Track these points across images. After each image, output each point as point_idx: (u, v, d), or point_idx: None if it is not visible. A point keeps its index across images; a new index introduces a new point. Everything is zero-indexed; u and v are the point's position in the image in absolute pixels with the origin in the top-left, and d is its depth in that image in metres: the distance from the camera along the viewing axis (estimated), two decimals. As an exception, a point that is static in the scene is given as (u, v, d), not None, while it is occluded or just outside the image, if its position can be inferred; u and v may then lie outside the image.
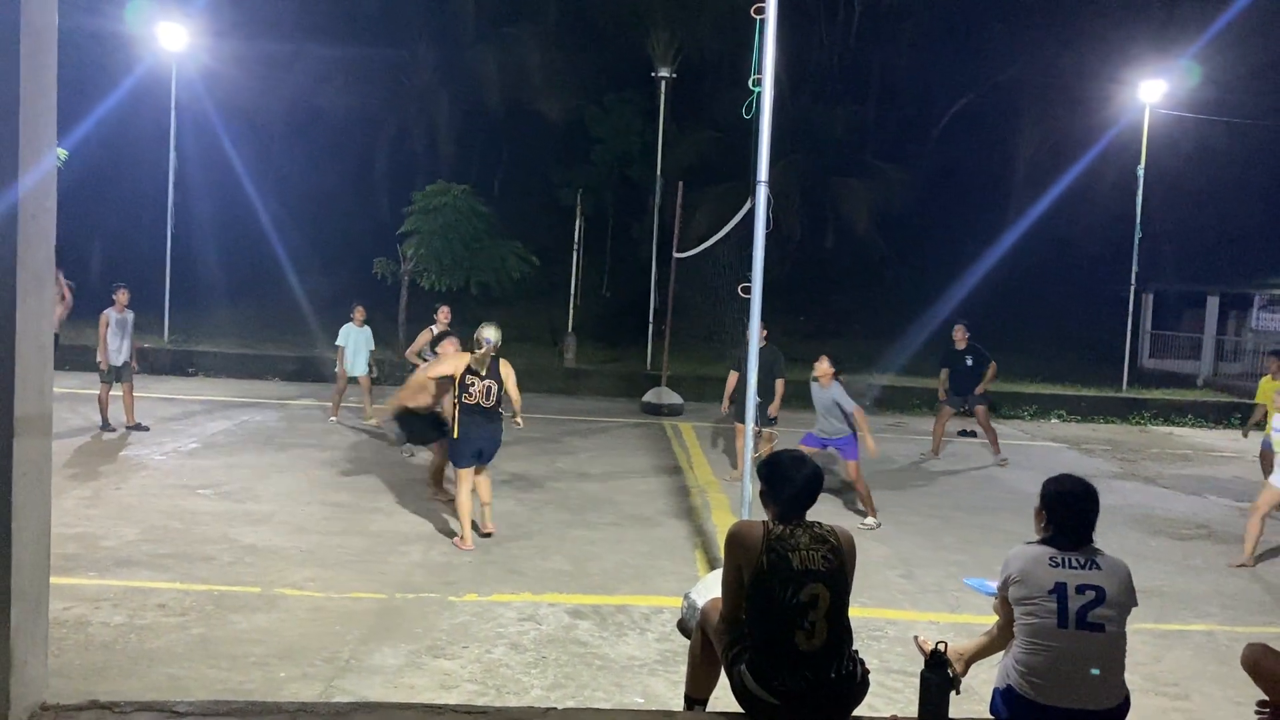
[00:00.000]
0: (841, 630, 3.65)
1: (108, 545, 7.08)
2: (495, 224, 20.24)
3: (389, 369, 15.53)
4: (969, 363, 12.57)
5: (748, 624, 3.71)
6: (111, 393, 11.33)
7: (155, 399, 13.67)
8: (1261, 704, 4.01)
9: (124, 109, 22.35)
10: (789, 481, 3.82)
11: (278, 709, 3.60)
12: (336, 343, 12.93)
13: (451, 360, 7.82)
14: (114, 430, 11.28)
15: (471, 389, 7.62)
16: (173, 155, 19.61)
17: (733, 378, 10.54)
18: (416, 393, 8.24)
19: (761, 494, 3.90)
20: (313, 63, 25.76)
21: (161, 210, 19.79)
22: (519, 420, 8.01)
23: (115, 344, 11.25)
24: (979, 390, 12.50)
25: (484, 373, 7.67)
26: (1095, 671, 3.52)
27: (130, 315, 11.43)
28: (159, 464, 9.94)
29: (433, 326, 11.22)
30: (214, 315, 21.62)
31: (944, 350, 13.10)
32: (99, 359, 11.22)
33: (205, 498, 8.65)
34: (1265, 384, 11.53)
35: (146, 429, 11.45)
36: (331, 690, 4.86)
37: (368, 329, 13.07)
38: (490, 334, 7.76)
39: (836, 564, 3.66)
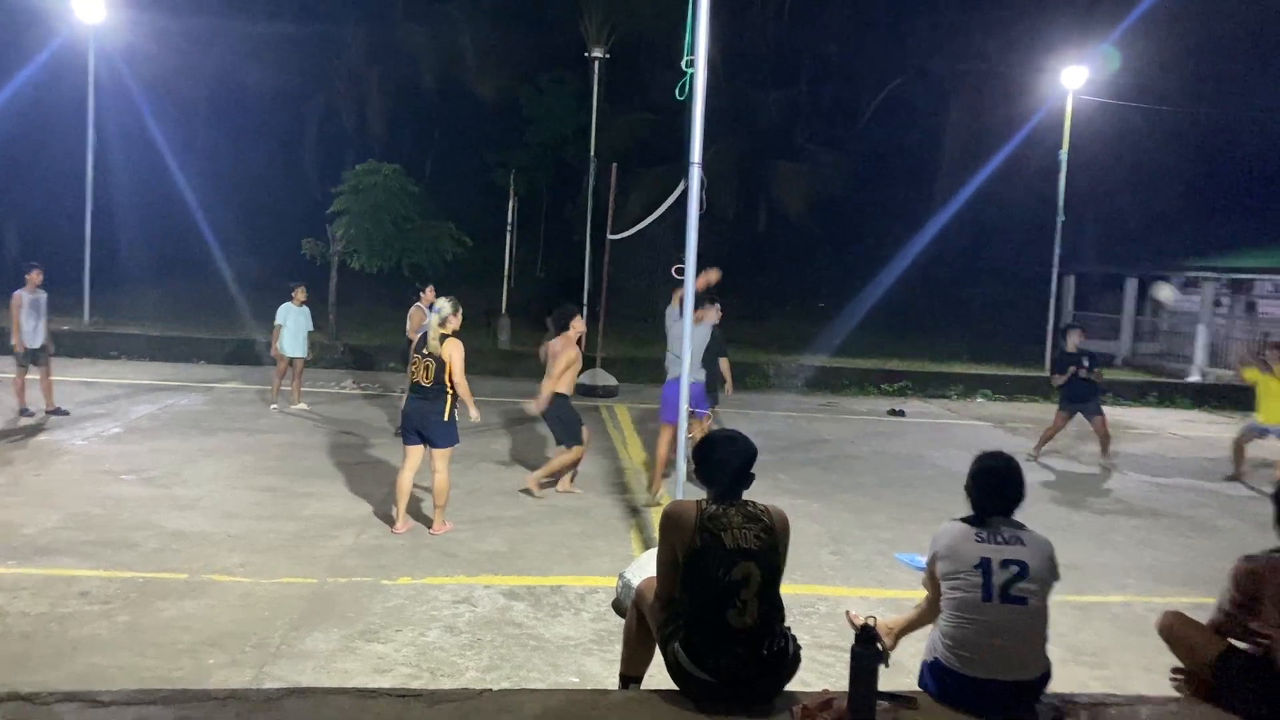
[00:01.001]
0: (773, 608, 3.71)
1: (27, 533, 6.88)
2: (427, 204, 19.99)
3: (319, 351, 15.28)
4: (1086, 364, 11.66)
5: (681, 602, 3.75)
6: (29, 376, 10.98)
7: (75, 383, 13.29)
8: (1176, 670, 4.18)
9: (40, 84, 21.63)
10: (722, 462, 3.86)
11: (206, 697, 3.54)
12: (275, 322, 12.56)
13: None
14: (32, 415, 10.95)
15: (413, 364, 7.41)
16: (91, 132, 19.02)
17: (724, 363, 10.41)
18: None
19: (697, 474, 3.92)
20: (238, 39, 25.15)
21: (81, 189, 19.18)
22: (473, 413, 7.56)
23: (29, 326, 10.87)
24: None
25: (426, 350, 7.34)
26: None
27: (44, 296, 11.04)
28: (80, 449, 9.68)
29: (419, 304, 11.14)
30: (137, 297, 21.06)
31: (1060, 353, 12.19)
32: (14, 342, 10.85)
33: (129, 483, 8.45)
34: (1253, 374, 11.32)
35: (66, 413, 11.13)
36: (262, 676, 4.80)
37: (307, 310, 12.80)
38: (439, 303, 7.38)
39: (769, 543, 3.71)
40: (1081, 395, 11.68)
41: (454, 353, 7.28)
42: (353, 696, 3.61)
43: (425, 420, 7.37)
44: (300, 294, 12.66)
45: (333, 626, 5.50)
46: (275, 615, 5.62)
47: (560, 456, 8.87)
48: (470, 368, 8.90)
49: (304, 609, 5.75)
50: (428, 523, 7.59)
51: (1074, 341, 11.86)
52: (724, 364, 10.36)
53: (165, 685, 4.43)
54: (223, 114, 26.58)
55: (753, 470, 3.91)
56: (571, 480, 9.02)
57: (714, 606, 3.62)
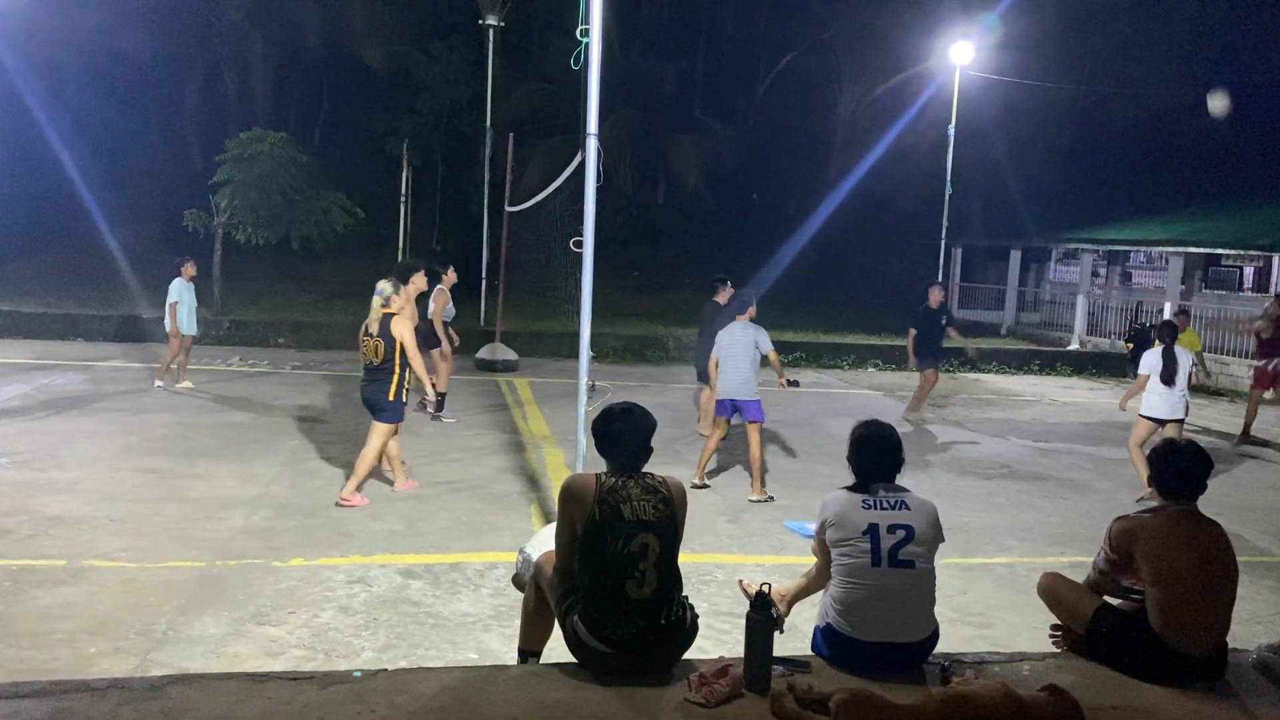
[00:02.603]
0: (671, 578, 3.75)
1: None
2: (316, 174, 19.38)
3: (205, 327, 14.76)
4: (943, 322, 12.52)
5: (580, 574, 3.76)
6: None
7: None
8: (1054, 627, 4.36)
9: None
10: (621, 435, 3.87)
11: (85, 687, 3.40)
12: (170, 300, 11.94)
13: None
14: None
15: (363, 345, 7.55)
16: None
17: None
18: None
19: (597, 448, 3.93)
20: (115, 1, 23.89)
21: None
22: (429, 392, 8.08)
23: None
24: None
25: (374, 330, 7.43)
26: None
27: None
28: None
29: (441, 287, 10.98)
30: (9, 271, 19.99)
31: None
32: None
33: (1, 467, 8.04)
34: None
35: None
36: (147, 664, 4.64)
37: (193, 285, 12.30)
38: (380, 285, 7.53)
39: (667, 513, 3.74)
40: (933, 350, 12.47)
41: (404, 331, 7.43)
42: (242, 681, 3.52)
43: (374, 398, 7.53)
44: (189, 269, 12.15)
45: (222, 610, 5.35)
46: (161, 601, 5.44)
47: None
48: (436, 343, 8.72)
49: (191, 593, 5.57)
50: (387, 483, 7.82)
51: (936, 299, 12.53)
52: None
53: (42, 677, 4.24)
54: (98, 79, 25.31)
55: (651, 443, 3.92)
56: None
57: (613, 578, 3.64)
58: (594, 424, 3.96)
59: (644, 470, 3.87)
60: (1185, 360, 8.92)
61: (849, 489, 3.99)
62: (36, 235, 22.05)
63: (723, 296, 10.58)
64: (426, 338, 10.55)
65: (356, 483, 7.55)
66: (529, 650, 4.13)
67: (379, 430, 7.55)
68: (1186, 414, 9.01)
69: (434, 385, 10.56)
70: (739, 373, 8.44)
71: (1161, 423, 8.94)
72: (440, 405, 10.60)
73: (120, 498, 7.39)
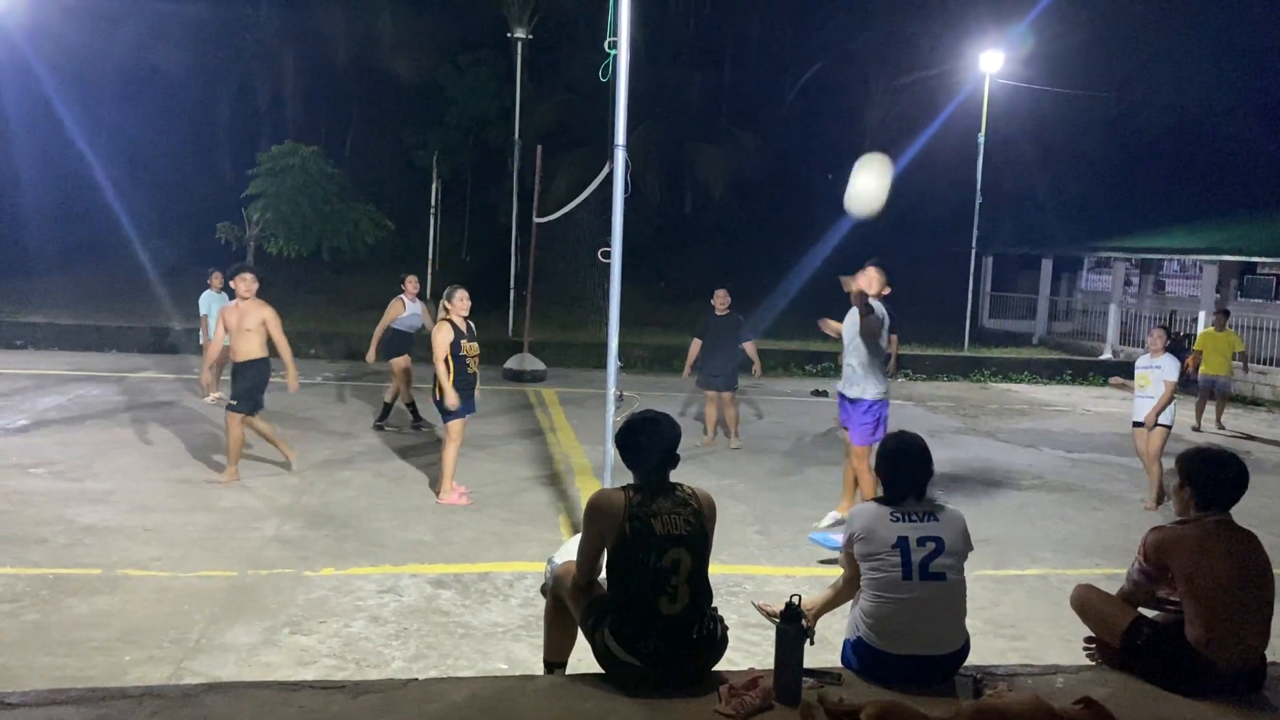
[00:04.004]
0: (702, 592, 3.73)
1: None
2: (346, 187, 19.61)
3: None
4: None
5: (610, 589, 3.74)
6: None
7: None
8: (1088, 640, 4.31)
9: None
10: (644, 447, 3.83)
11: (121, 694, 3.43)
12: (201, 311, 12.16)
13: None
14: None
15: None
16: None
17: (695, 345, 10.58)
18: None
19: (622, 459, 3.90)
20: (147, 17, 24.27)
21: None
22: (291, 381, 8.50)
23: None
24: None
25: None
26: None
27: None
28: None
29: (401, 296, 10.95)
30: (45, 284, 20.30)
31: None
32: None
33: (37, 477, 8.16)
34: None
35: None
36: (181, 672, 4.68)
37: (225, 296, 12.42)
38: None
39: (698, 526, 3.71)
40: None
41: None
42: (274, 690, 3.54)
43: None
44: (217, 279, 12.28)
45: (254, 619, 5.39)
46: (194, 609, 5.48)
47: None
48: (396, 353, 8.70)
49: (224, 602, 5.62)
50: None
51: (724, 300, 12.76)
52: (749, 347, 10.70)
53: (78, 684, 4.29)
54: (132, 95, 25.67)
55: (678, 453, 3.90)
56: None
57: (645, 593, 3.62)
58: (618, 435, 3.94)
59: (673, 481, 3.84)
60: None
61: (877, 501, 3.97)
62: (71, 248, 22.39)
63: (718, 304, 10.64)
64: (387, 345, 10.75)
65: (445, 482, 8.08)
66: (554, 662, 4.13)
67: (446, 431, 8.07)
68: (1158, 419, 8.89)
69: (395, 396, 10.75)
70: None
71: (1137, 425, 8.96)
72: (383, 415, 10.86)
73: (153, 507, 7.48)
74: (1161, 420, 8.82)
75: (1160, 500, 8.78)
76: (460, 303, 7.99)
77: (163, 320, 17.19)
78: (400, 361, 10.71)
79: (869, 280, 7.50)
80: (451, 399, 7.82)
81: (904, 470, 3.98)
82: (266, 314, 8.34)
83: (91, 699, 3.38)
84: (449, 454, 8.04)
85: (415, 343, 10.94)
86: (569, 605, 3.92)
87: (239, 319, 8.29)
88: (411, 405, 10.99)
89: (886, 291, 7.73)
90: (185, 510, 7.45)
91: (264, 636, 5.17)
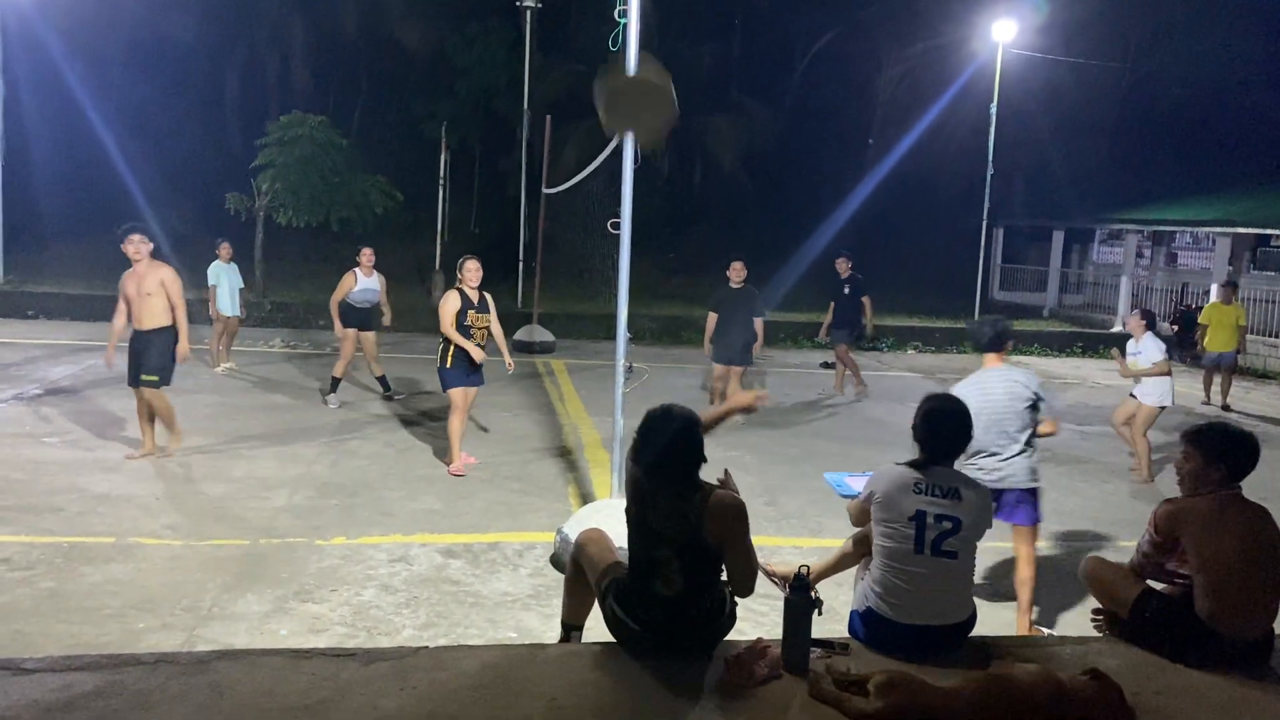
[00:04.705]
0: (700, 580, 3.65)
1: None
2: (355, 158, 19.54)
3: (247, 309, 14.91)
4: (845, 292, 12.68)
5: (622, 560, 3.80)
6: None
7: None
8: (1096, 611, 4.32)
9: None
10: (650, 446, 3.65)
11: (135, 661, 3.47)
12: (209, 282, 12.15)
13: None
14: None
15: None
16: (0, 84, 18.19)
17: (711, 319, 10.37)
18: None
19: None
20: (154, -13, 24.13)
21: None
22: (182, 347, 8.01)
23: None
24: (867, 329, 12.76)
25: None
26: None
27: None
28: (9, 411, 9.37)
29: (355, 270, 10.67)
30: (56, 254, 20.34)
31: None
32: None
33: (50, 446, 8.21)
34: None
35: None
36: (194, 639, 4.73)
37: (235, 266, 12.43)
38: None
39: (686, 533, 3.57)
40: (840, 321, 12.74)
41: (439, 309, 7.87)
42: (286, 657, 3.57)
43: None
44: (226, 250, 12.28)
45: (266, 588, 5.43)
46: (206, 578, 5.53)
47: None
48: (405, 325, 8.70)
49: (236, 571, 5.67)
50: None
51: (843, 269, 12.78)
52: (758, 324, 10.41)
53: (93, 651, 4.33)
54: (142, 65, 25.57)
55: (700, 452, 3.64)
56: None
57: (641, 574, 3.66)
58: (639, 428, 3.73)
59: (700, 481, 3.65)
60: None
61: (907, 465, 3.93)
62: (81, 218, 22.38)
63: (732, 276, 10.42)
64: (343, 318, 10.55)
65: (452, 452, 8.10)
66: (571, 624, 4.16)
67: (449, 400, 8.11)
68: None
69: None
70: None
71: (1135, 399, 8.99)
72: (333, 387, 10.65)
73: (165, 477, 7.53)
74: (1155, 399, 8.77)
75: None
76: (469, 274, 7.97)
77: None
78: (350, 334, 10.49)
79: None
80: (476, 353, 7.90)
81: (942, 435, 3.93)
82: (165, 274, 7.80)
83: (106, 665, 3.41)
84: (452, 424, 8.07)
85: (373, 316, 10.77)
86: (587, 571, 3.94)
87: (137, 285, 7.75)
88: (383, 379, 10.87)
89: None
90: (197, 480, 7.50)
91: (275, 605, 5.22)
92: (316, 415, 10.02)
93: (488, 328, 8.08)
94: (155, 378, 7.79)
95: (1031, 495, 5.40)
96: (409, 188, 20.97)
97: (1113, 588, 4.14)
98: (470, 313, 7.91)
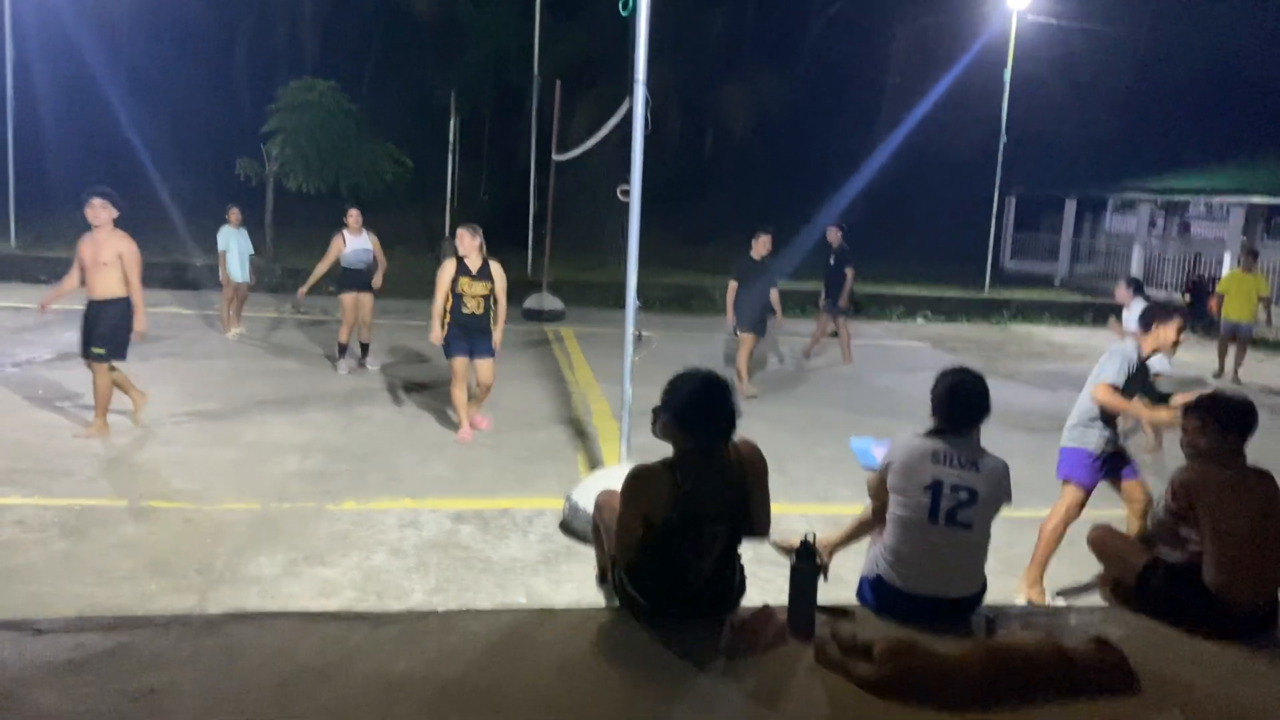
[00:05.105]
0: (728, 561, 3.70)
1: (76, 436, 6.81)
2: (365, 124, 19.45)
3: (258, 275, 14.94)
4: (831, 262, 12.58)
5: (641, 547, 3.62)
6: None
7: (3, 308, 12.90)
8: (1103, 580, 4.33)
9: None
10: (704, 410, 3.53)
11: (147, 623, 3.51)
12: (219, 248, 12.14)
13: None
14: None
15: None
16: (10, 48, 18.13)
17: (732, 289, 10.30)
18: None
19: (664, 424, 3.62)
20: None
21: (1, 107, 18.37)
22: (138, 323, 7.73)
23: None
24: (841, 301, 12.44)
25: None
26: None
27: None
28: (11, 376, 9.43)
29: (343, 232, 10.59)
30: (67, 219, 20.28)
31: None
32: None
33: (63, 410, 8.26)
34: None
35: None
36: (206, 602, 4.77)
37: (245, 232, 12.40)
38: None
39: (740, 496, 3.60)
40: (827, 291, 12.70)
41: (125, 249, 7.49)
42: (297, 620, 3.61)
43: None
44: (235, 215, 12.25)
45: (277, 551, 5.48)
46: (218, 541, 5.58)
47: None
48: (414, 292, 8.68)
49: (247, 534, 5.71)
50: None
51: (833, 238, 12.68)
52: (774, 294, 10.43)
53: (106, 613, 4.38)
54: (152, 30, 25.48)
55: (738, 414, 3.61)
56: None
57: (673, 563, 3.58)
58: (671, 396, 3.59)
59: (728, 443, 3.63)
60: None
61: (927, 435, 3.93)
62: (91, 182, 22.39)
63: (756, 248, 10.41)
64: (339, 282, 10.52)
65: (460, 420, 8.13)
66: (606, 565, 4.17)
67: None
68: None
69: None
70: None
71: None
72: (340, 352, 10.62)
73: (177, 441, 7.58)
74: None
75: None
76: (461, 241, 7.94)
77: (183, 256, 17.23)
78: (348, 298, 10.45)
79: None
80: (434, 333, 7.92)
81: (966, 407, 3.92)
82: (124, 246, 7.46)
83: (119, 626, 3.45)
84: (453, 392, 8.10)
85: (369, 277, 10.68)
86: (603, 534, 3.95)
87: (94, 252, 7.41)
88: (364, 345, 10.77)
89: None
90: (208, 444, 7.54)
91: (286, 568, 5.26)
92: (327, 381, 10.05)
93: (484, 296, 7.93)
94: (102, 350, 7.43)
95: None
96: (418, 155, 20.88)
97: (1120, 557, 4.15)
98: (462, 280, 7.87)
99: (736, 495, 3.61)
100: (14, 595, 4.72)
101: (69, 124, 22.70)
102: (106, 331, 7.42)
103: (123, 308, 7.48)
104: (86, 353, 7.47)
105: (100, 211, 7.42)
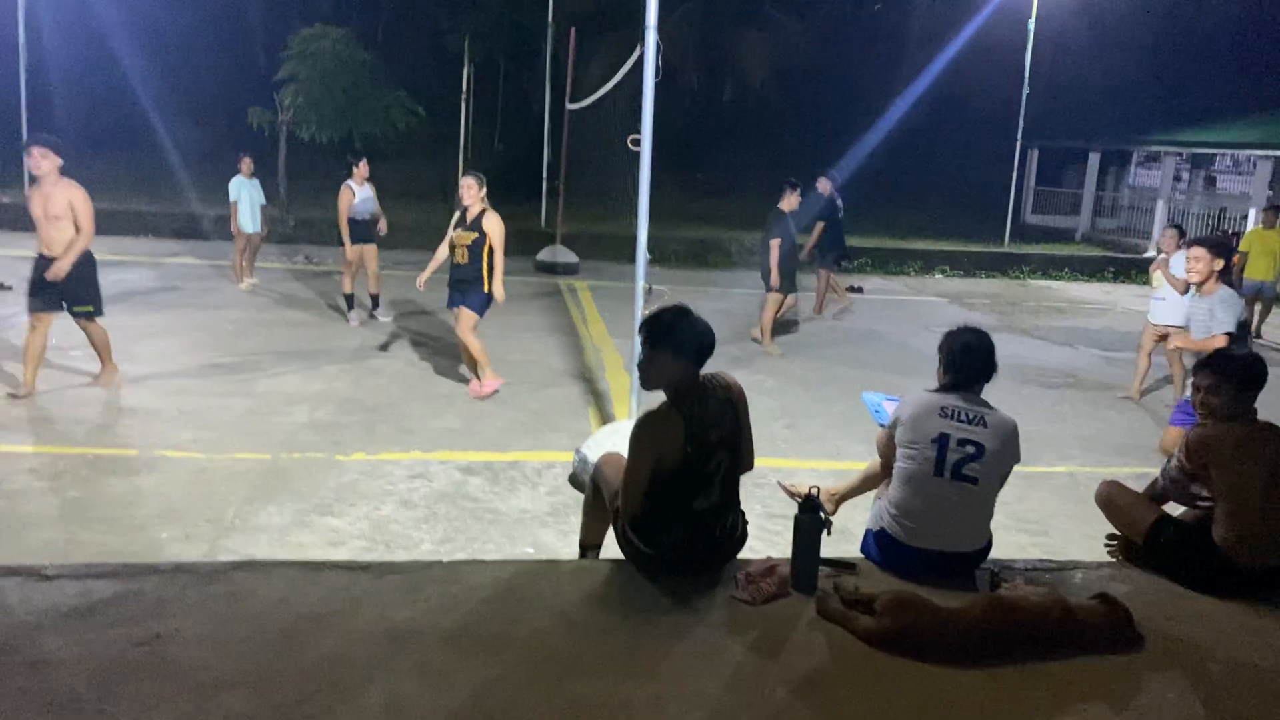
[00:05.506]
0: (734, 487, 3.74)
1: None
2: (378, 72, 19.27)
3: (270, 225, 14.93)
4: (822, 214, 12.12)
5: (647, 493, 3.61)
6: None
7: (15, 257, 12.92)
8: (1110, 537, 4.31)
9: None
10: (699, 338, 3.63)
11: (152, 570, 3.54)
12: (231, 198, 12.10)
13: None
14: (8, 288, 10.64)
15: None
16: (21, -2, 18.00)
17: (776, 246, 10.11)
18: None
19: (650, 359, 3.67)
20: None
21: (13, 57, 18.27)
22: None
23: None
24: (803, 255, 11.77)
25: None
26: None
27: None
28: (23, 325, 9.46)
29: (350, 182, 10.53)
30: (79, 170, 20.25)
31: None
32: None
33: (76, 359, 8.29)
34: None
35: (9, 288, 10.85)
36: (216, 550, 4.81)
37: (257, 182, 12.34)
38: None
39: (737, 425, 3.69)
40: (825, 243, 12.30)
41: (76, 198, 7.14)
42: (301, 568, 3.63)
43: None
44: (247, 165, 12.18)
45: (287, 501, 5.51)
46: (229, 490, 5.62)
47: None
48: (426, 243, 8.62)
49: (258, 484, 5.74)
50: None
51: (823, 188, 12.25)
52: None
53: (116, 560, 4.42)
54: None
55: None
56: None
57: (683, 493, 3.58)
58: (655, 328, 3.67)
59: (703, 375, 3.70)
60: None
61: (935, 391, 3.92)
62: (103, 133, 22.36)
63: (787, 203, 10.31)
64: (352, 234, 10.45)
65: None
66: (589, 544, 4.19)
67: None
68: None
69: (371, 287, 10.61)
70: None
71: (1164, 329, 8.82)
72: (349, 304, 10.63)
73: (189, 391, 7.61)
74: (1183, 320, 8.63)
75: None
76: (465, 190, 7.84)
77: (195, 206, 17.21)
78: (353, 250, 10.40)
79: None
80: (420, 278, 8.07)
81: (975, 365, 3.90)
82: (75, 195, 7.06)
83: (124, 574, 3.48)
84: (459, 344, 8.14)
85: (373, 228, 10.64)
86: (604, 493, 3.94)
87: (43, 204, 7.00)
88: (374, 297, 10.81)
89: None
90: (220, 394, 7.57)
91: (296, 518, 5.29)
92: (339, 332, 10.06)
93: (468, 246, 7.77)
94: (89, 308, 7.26)
95: None
96: (432, 103, 20.70)
97: (1128, 513, 4.11)
98: (456, 229, 7.86)
99: (733, 423, 3.66)
100: (27, 542, 4.77)
101: (79, 75, 22.59)
102: (80, 289, 7.19)
103: (85, 261, 7.22)
104: (48, 306, 7.20)
105: (41, 161, 6.96)
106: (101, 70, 22.86)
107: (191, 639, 3.06)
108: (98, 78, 22.90)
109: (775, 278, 10.15)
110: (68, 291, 7.18)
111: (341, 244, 10.43)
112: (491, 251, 7.81)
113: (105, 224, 16.33)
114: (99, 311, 7.41)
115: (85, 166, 20.53)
